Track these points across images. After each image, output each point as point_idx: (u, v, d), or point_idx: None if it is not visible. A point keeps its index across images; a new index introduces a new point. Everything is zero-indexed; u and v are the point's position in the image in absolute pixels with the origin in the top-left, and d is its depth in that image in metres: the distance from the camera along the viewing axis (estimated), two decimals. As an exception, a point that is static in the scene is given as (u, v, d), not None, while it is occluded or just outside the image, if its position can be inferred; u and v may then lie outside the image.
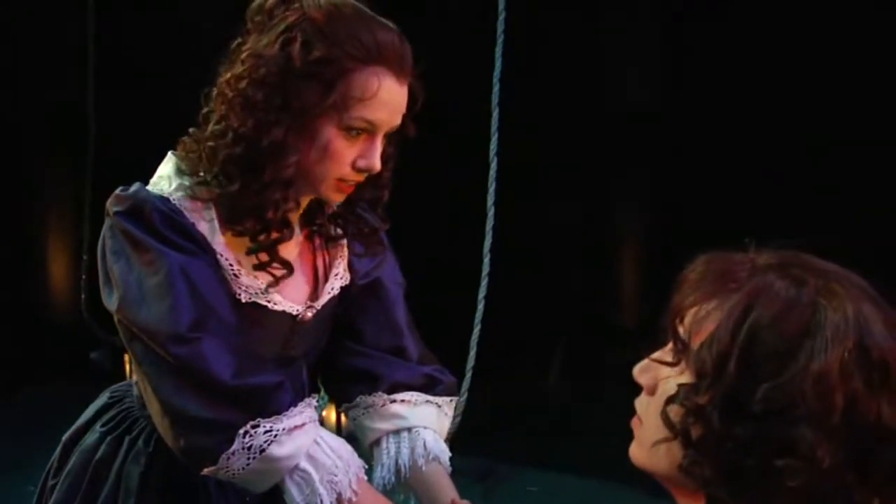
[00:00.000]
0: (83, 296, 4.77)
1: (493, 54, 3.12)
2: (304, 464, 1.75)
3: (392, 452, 1.97)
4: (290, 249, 1.88)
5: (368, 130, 1.76)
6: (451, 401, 2.05)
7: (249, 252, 1.81)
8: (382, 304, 2.02)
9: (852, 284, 1.16)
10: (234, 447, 1.71)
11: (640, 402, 1.25)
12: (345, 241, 1.97)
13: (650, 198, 5.41)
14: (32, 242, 5.65)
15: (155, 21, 5.27)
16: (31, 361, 5.39)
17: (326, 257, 1.96)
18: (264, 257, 1.82)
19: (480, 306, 3.43)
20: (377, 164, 1.78)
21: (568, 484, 4.29)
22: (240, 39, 1.80)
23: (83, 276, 4.70)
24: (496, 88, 3.10)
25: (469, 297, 3.51)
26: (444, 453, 1.99)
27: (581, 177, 5.25)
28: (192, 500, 1.91)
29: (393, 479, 1.97)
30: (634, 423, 1.26)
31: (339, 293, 1.96)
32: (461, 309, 3.71)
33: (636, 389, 1.25)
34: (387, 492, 1.95)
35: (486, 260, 3.32)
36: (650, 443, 1.21)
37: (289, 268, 1.83)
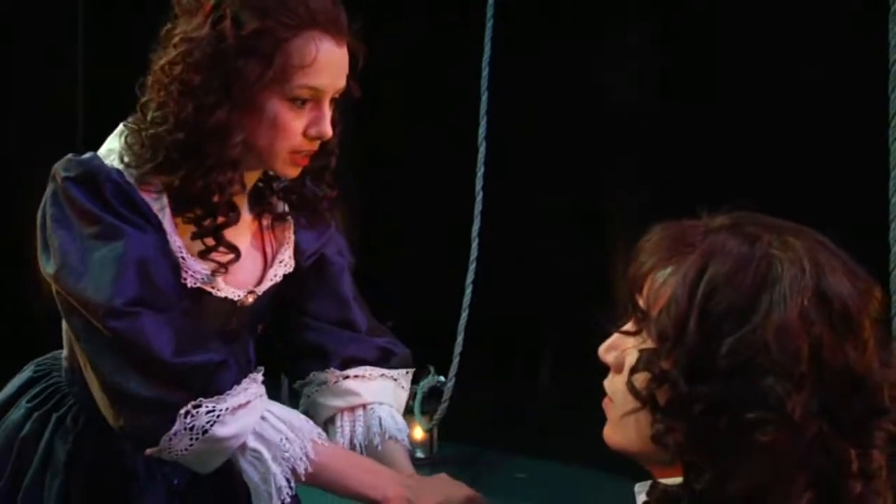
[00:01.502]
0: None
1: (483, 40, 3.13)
2: (254, 443, 1.71)
3: (347, 431, 1.93)
4: (242, 235, 1.85)
5: (314, 98, 1.73)
6: (406, 373, 2.00)
7: (194, 237, 1.77)
8: (326, 279, 1.98)
9: (807, 237, 1.15)
10: (175, 427, 1.66)
11: (609, 382, 1.24)
12: (292, 225, 1.93)
13: (646, 191, 5.40)
14: (22, 239, 5.62)
15: (147, 20, 5.26)
16: (22, 358, 5.37)
17: (273, 243, 1.93)
18: (210, 242, 1.77)
19: (468, 291, 3.44)
20: (328, 130, 1.74)
21: (556, 472, 4.28)
22: (169, 25, 1.76)
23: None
24: (485, 73, 3.10)
25: (458, 283, 3.51)
26: (401, 431, 1.94)
27: (575, 168, 5.24)
28: (121, 481, 1.86)
29: None
30: (605, 403, 1.25)
31: (282, 280, 1.92)
32: (450, 295, 3.71)
33: None
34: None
35: (475, 245, 3.33)
36: (619, 417, 1.20)
37: (235, 252, 1.80)
